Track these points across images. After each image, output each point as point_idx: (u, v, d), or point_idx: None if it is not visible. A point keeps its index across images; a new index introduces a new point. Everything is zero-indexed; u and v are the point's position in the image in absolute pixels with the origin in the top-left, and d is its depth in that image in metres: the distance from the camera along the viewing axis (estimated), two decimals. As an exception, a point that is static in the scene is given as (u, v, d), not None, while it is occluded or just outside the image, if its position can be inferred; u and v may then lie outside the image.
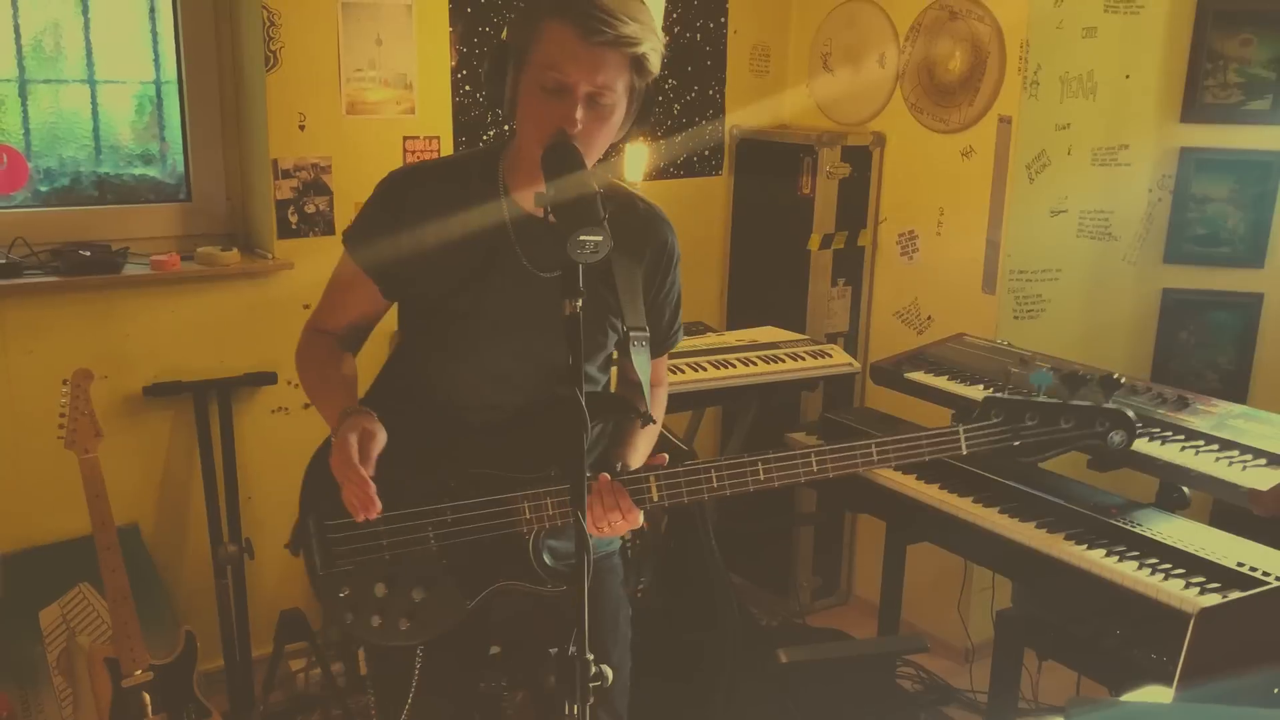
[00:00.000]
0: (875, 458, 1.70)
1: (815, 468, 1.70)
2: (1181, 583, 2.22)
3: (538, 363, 1.77)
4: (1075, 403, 1.71)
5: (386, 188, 1.79)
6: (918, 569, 3.33)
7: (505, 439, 1.76)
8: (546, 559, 1.77)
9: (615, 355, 1.88)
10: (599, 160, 1.72)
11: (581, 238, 1.41)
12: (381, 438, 1.66)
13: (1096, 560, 2.34)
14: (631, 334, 1.73)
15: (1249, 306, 3.46)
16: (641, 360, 1.76)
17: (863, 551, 3.93)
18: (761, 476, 1.71)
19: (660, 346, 1.91)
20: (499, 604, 1.81)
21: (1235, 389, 3.47)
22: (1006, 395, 1.72)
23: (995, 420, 1.70)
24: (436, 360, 1.80)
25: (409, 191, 1.77)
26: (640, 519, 1.72)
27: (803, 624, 3.76)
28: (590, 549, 1.51)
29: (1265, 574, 2.17)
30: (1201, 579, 2.22)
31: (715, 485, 1.72)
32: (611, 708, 1.92)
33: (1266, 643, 1.39)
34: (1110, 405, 1.71)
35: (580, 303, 1.47)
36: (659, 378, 1.98)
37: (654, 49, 1.62)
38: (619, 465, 1.79)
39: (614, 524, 1.70)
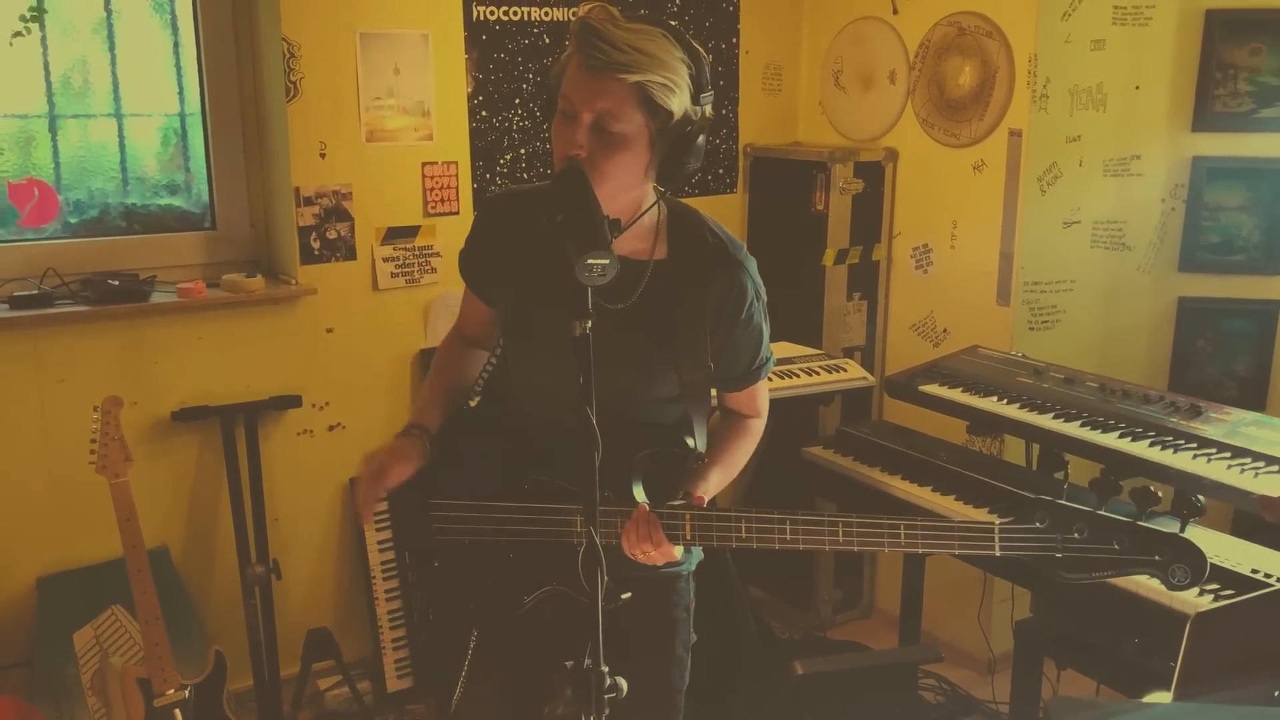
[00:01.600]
0: (903, 540, 1.65)
1: (842, 537, 1.67)
2: (1195, 590, 2.24)
3: (617, 380, 1.79)
4: (1139, 524, 1.53)
5: (479, 209, 2.01)
6: (939, 581, 3.35)
7: (570, 449, 1.79)
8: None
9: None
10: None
11: (589, 261, 1.46)
12: (407, 469, 1.83)
13: (1111, 569, 2.36)
14: (684, 380, 1.77)
15: (1265, 313, 3.46)
16: (693, 396, 1.81)
17: (884, 564, 3.95)
18: (788, 535, 1.70)
19: (741, 381, 1.90)
20: (554, 612, 1.85)
21: (1254, 396, 3.47)
22: (1061, 501, 1.56)
23: (1038, 525, 1.55)
24: (517, 371, 1.91)
25: (492, 212, 1.93)
26: (676, 553, 1.73)
27: (823, 637, 3.77)
28: (604, 565, 1.55)
29: None
30: (1216, 586, 2.24)
31: (743, 536, 1.71)
32: None
33: (1265, 645, 1.40)
34: (1182, 535, 1.51)
35: (590, 324, 1.51)
36: (755, 408, 1.97)
37: (660, 82, 1.63)
38: (682, 494, 1.79)
39: (647, 554, 1.72)
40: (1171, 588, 1.49)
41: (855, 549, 1.68)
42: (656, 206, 1.81)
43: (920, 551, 1.64)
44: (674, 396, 1.84)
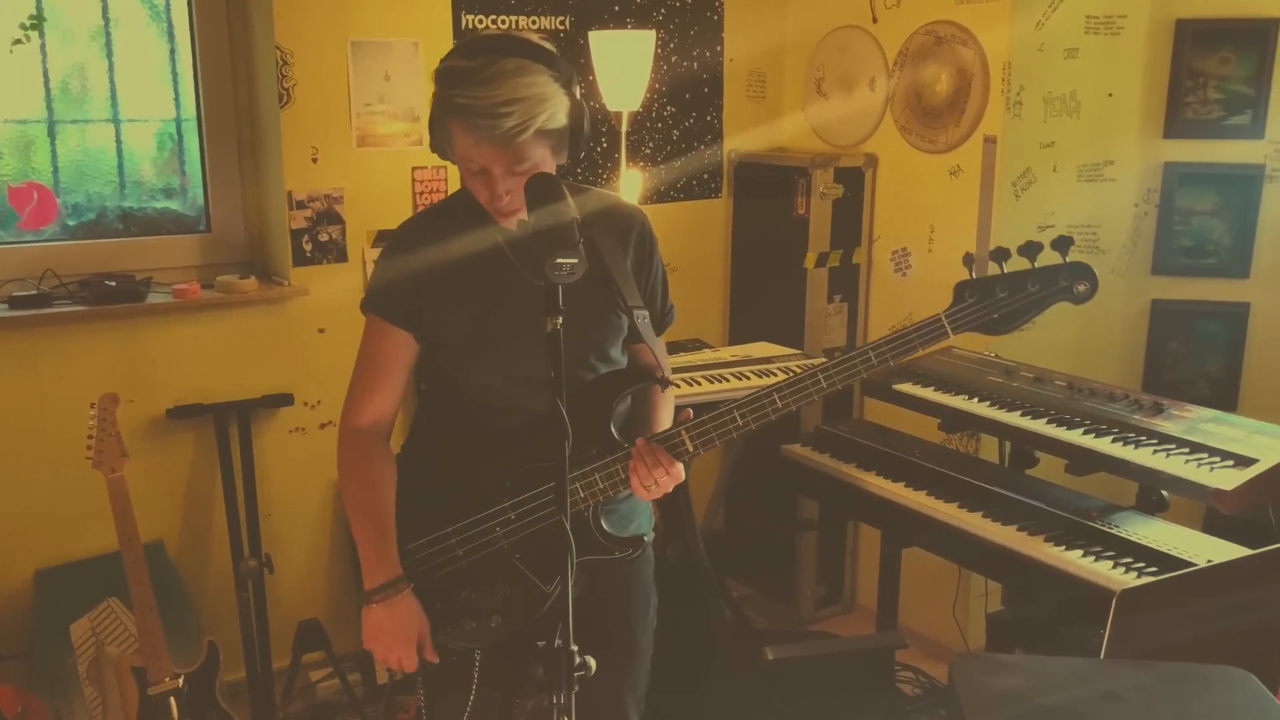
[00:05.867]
0: (874, 361, 1.79)
1: (824, 383, 1.79)
2: (1153, 580, 2.32)
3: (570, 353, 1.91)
4: (1038, 267, 1.79)
5: (388, 247, 1.95)
6: (917, 576, 3.43)
7: (545, 432, 1.84)
8: (606, 527, 1.90)
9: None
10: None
11: (558, 260, 1.55)
12: (421, 622, 1.87)
13: (1074, 560, 2.44)
14: (635, 312, 1.87)
15: (1236, 316, 3.55)
16: (648, 333, 1.90)
17: (866, 560, 4.02)
18: (779, 404, 1.80)
19: (659, 325, 2.04)
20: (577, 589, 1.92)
21: (1225, 397, 3.56)
22: (975, 278, 1.79)
23: (970, 300, 1.78)
24: (471, 380, 1.92)
25: (408, 242, 1.92)
26: (682, 472, 1.85)
27: (802, 630, 3.85)
28: (573, 550, 1.63)
29: (1232, 570, 2.26)
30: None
31: (740, 424, 1.81)
32: (637, 693, 2.08)
33: (1190, 624, 1.48)
34: (1068, 261, 1.77)
35: (560, 320, 1.60)
36: (660, 361, 2.09)
37: (547, 115, 1.73)
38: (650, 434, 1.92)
39: (660, 480, 1.83)
40: (1079, 300, 1.76)
41: (839, 388, 1.80)
42: None
43: (891, 364, 1.78)
44: (622, 345, 1.97)
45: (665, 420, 1.99)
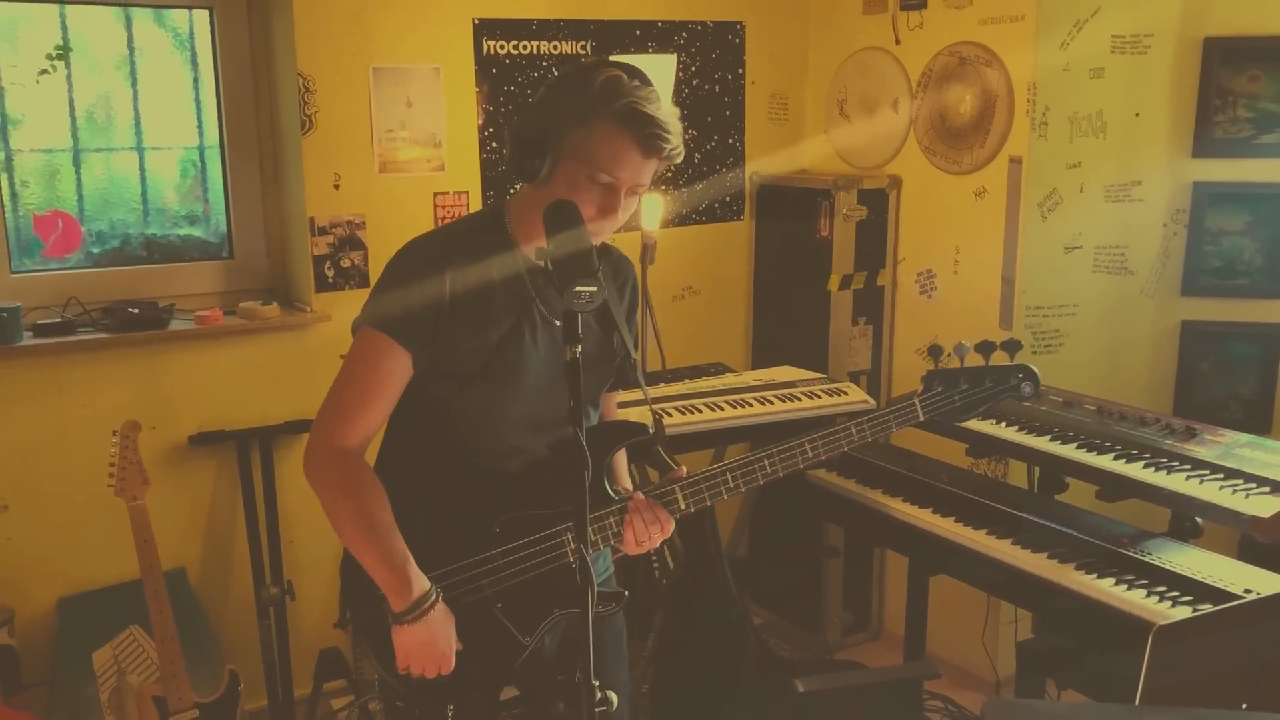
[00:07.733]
0: (855, 436, 1.97)
1: (810, 454, 1.95)
2: (1189, 609, 2.26)
3: (566, 405, 1.85)
4: (992, 365, 2.07)
5: (405, 265, 1.81)
6: (946, 603, 3.37)
7: (540, 478, 1.86)
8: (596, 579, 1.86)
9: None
10: None
11: (578, 288, 1.53)
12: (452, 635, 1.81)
13: (1106, 589, 2.39)
14: (634, 361, 1.92)
15: (1269, 337, 3.49)
16: (642, 381, 1.98)
17: (893, 587, 3.97)
18: (768, 469, 1.92)
19: (628, 378, 2.05)
20: (553, 639, 1.90)
21: (1259, 419, 3.49)
22: (941, 368, 2.05)
23: (938, 389, 2.03)
24: (472, 417, 1.83)
25: (430, 261, 1.79)
26: (672, 527, 1.89)
27: (827, 658, 3.80)
28: (594, 581, 1.61)
29: (1270, 599, 2.20)
30: (1208, 605, 2.26)
31: (731, 485, 1.91)
32: None
33: (1231, 659, 1.44)
34: (1017, 363, 2.07)
35: (580, 349, 1.58)
36: (615, 411, 2.15)
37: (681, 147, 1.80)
38: (621, 488, 1.94)
39: (653, 535, 1.86)
40: (1022, 398, 2.06)
41: (824, 458, 1.96)
42: None
43: (870, 439, 1.98)
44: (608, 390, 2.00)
45: (624, 475, 2.03)
